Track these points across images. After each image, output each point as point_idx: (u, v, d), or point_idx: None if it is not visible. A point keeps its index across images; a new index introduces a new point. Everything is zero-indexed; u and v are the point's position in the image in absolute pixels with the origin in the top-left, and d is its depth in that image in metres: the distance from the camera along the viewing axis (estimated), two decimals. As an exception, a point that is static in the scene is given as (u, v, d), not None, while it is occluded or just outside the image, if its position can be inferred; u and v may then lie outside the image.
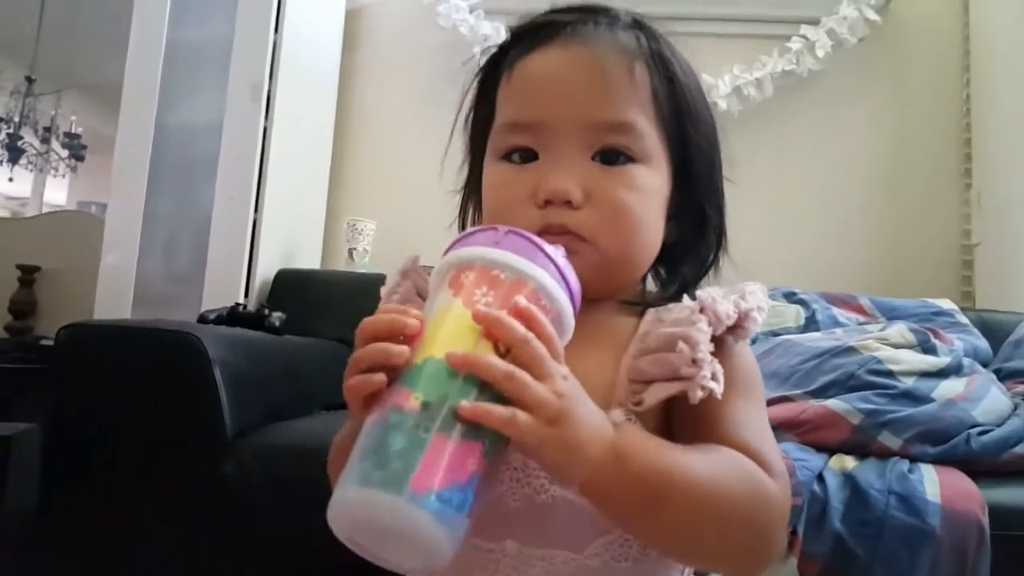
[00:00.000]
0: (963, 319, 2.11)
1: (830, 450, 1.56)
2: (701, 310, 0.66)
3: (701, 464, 0.60)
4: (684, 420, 0.66)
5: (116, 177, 2.55)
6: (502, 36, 2.73)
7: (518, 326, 0.53)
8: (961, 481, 1.45)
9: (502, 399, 0.52)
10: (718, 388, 0.63)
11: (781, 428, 1.59)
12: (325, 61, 2.96)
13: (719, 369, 0.63)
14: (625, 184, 0.70)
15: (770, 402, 1.62)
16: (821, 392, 1.67)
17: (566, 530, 0.64)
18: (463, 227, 0.83)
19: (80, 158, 5.18)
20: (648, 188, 0.71)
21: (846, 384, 1.66)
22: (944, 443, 1.54)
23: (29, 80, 4.94)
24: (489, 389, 0.52)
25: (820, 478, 1.45)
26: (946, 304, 2.18)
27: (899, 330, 1.82)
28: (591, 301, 0.62)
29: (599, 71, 0.71)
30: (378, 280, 0.77)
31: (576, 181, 0.69)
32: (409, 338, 0.55)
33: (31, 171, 5.25)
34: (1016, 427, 1.58)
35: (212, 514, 1.60)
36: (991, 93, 2.71)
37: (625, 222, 0.70)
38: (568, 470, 0.56)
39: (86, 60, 4.97)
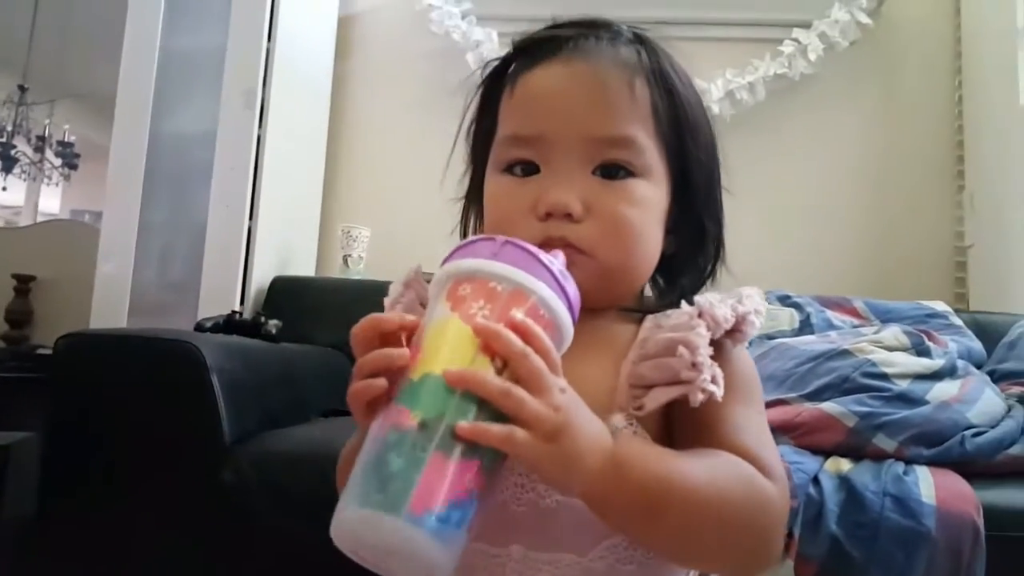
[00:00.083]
0: (957, 321, 2.11)
1: (825, 453, 1.57)
2: (699, 315, 0.67)
3: (700, 469, 0.61)
4: (684, 425, 0.67)
5: (111, 186, 2.54)
6: (494, 42, 2.71)
7: (516, 340, 0.53)
8: (956, 483, 1.46)
9: (500, 413, 0.52)
10: (718, 391, 0.63)
11: (776, 431, 1.59)
12: (318, 68, 2.96)
13: (719, 372, 0.64)
14: (625, 198, 0.71)
15: (766, 405, 1.62)
16: (816, 395, 1.67)
17: (571, 534, 0.64)
18: (464, 237, 0.84)
19: (73, 166, 5.17)
20: (648, 202, 0.72)
21: (841, 387, 1.66)
22: (939, 445, 1.55)
23: (22, 89, 4.92)
24: (487, 404, 0.52)
25: (816, 481, 1.46)
26: (940, 306, 2.18)
27: (893, 333, 1.82)
28: (591, 310, 0.63)
29: (600, 87, 0.71)
30: (373, 287, 0.78)
31: (577, 195, 0.69)
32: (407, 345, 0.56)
33: (24, 180, 5.24)
34: (1010, 428, 1.59)
35: (210, 521, 1.59)
36: (983, 95, 2.71)
37: (625, 235, 0.70)
38: (567, 482, 0.56)
39: (79, 69, 4.95)
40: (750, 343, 0.74)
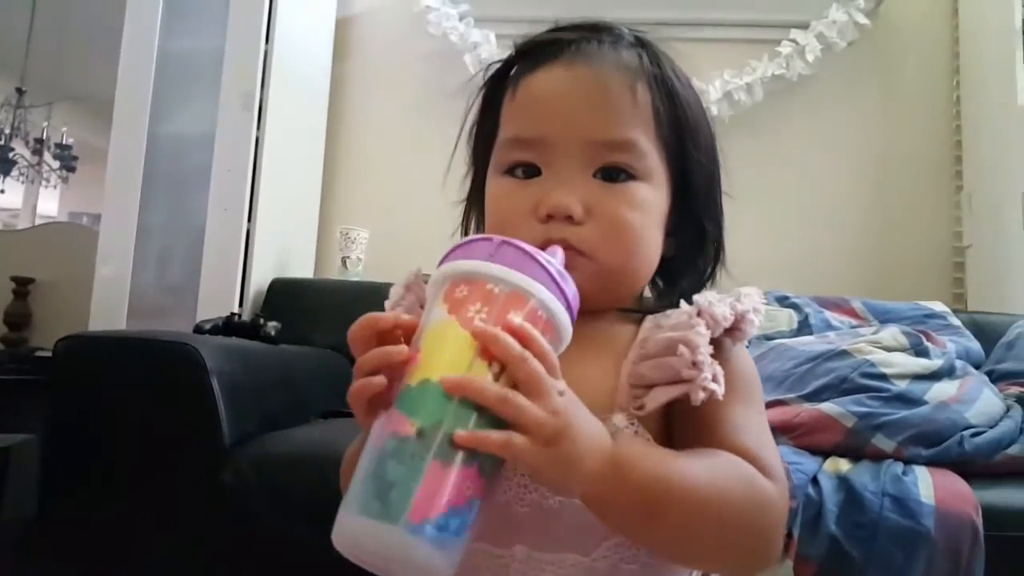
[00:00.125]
0: (955, 321, 2.12)
1: (824, 453, 1.57)
2: (698, 314, 0.67)
3: (700, 470, 0.61)
4: (684, 425, 0.67)
5: (109, 189, 2.54)
6: (492, 44, 2.71)
7: (514, 344, 0.53)
8: (955, 483, 1.46)
9: (499, 419, 0.52)
10: (719, 389, 0.63)
11: (775, 432, 1.56)
12: (316, 70, 2.96)
13: (719, 371, 0.64)
14: (626, 201, 0.71)
15: (764, 406, 1.62)
16: (815, 396, 1.68)
17: (574, 534, 0.65)
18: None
19: (71, 169, 5.17)
20: (648, 205, 0.72)
21: (839, 387, 1.66)
22: (937, 445, 1.55)
23: (20, 91, 4.92)
24: (486, 410, 0.52)
25: (815, 481, 1.46)
26: (938, 306, 2.19)
27: (892, 333, 1.83)
28: (591, 311, 0.63)
29: (602, 90, 0.72)
30: (372, 288, 0.78)
31: (578, 197, 0.70)
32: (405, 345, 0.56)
33: (22, 183, 5.24)
34: (1008, 428, 1.59)
35: (210, 523, 1.59)
36: (981, 95, 2.71)
37: (625, 238, 0.71)
38: (567, 485, 0.56)
39: (77, 71, 4.95)
40: (749, 343, 0.75)
